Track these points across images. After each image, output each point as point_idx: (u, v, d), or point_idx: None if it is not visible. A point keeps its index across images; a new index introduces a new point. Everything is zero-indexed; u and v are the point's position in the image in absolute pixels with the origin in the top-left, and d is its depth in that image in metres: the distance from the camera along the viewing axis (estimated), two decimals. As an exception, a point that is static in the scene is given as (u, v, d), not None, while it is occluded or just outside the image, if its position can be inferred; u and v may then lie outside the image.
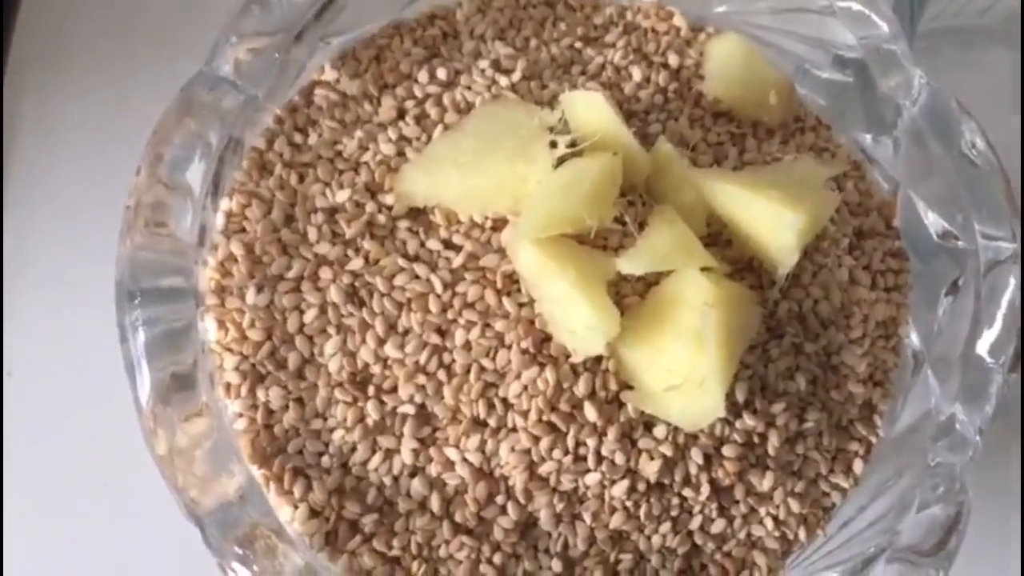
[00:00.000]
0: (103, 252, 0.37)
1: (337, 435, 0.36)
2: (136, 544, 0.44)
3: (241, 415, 0.36)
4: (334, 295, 0.36)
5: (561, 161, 0.36)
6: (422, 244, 0.38)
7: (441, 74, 0.41)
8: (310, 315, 0.36)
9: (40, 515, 0.46)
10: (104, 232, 0.37)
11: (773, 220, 0.36)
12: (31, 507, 0.46)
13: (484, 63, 0.41)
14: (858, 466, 0.40)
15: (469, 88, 0.40)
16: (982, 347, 0.39)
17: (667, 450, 0.36)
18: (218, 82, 0.38)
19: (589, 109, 0.38)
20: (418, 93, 0.40)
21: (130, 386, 0.35)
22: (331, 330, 0.36)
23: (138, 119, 0.38)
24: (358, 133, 0.39)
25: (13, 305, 0.49)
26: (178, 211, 0.36)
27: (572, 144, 0.37)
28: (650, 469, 0.36)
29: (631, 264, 0.35)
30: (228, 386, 0.36)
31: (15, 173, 0.50)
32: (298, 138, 0.39)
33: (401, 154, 0.39)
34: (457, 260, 0.37)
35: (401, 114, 0.40)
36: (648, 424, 0.37)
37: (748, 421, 0.37)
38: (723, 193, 0.37)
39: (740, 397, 0.37)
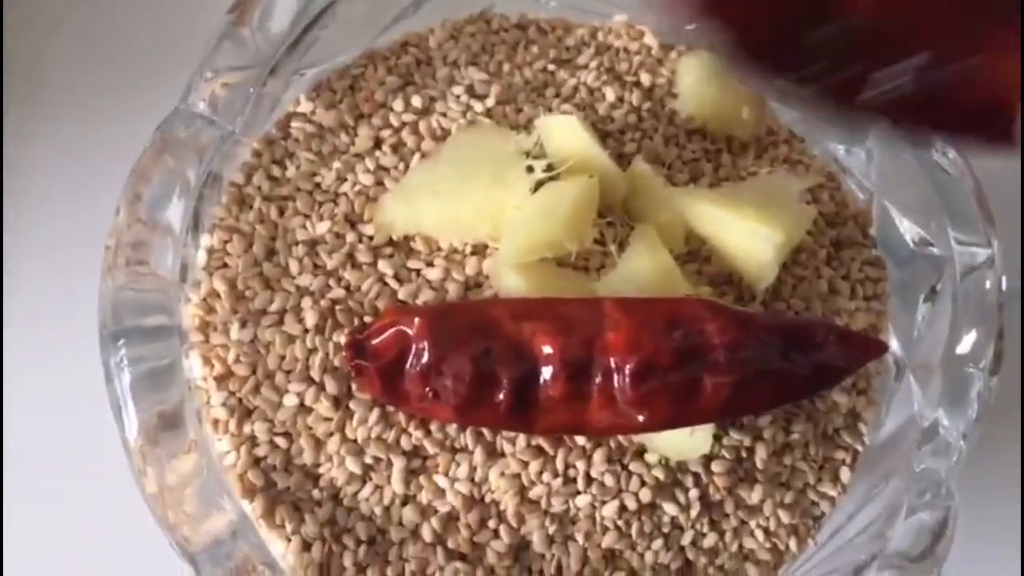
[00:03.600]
0: (85, 292, 0.37)
1: (327, 465, 0.36)
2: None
3: (230, 451, 0.36)
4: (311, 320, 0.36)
5: (539, 185, 0.37)
6: (403, 269, 0.38)
7: (416, 102, 0.41)
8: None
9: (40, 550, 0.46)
10: (85, 272, 0.37)
11: (750, 237, 0.36)
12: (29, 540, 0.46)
13: (459, 89, 0.42)
14: (845, 474, 0.40)
15: (444, 115, 0.41)
16: (962, 351, 0.40)
17: (659, 474, 0.37)
18: (194, 118, 0.38)
19: (564, 132, 0.38)
20: (394, 122, 0.40)
21: (117, 426, 0.34)
22: (315, 361, 0.36)
23: (116, 158, 0.38)
24: (336, 164, 0.39)
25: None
26: (159, 249, 0.36)
27: (549, 168, 0.37)
28: (643, 493, 0.36)
29: (609, 290, 0.35)
30: (216, 422, 0.36)
31: None
32: (276, 171, 0.39)
33: (379, 183, 0.39)
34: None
35: (378, 143, 0.40)
36: (639, 450, 0.37)
37: (735, 436, 0.38)
38: (700, 212, 0.38)
39: (726, 411, 0.37)
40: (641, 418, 0.33)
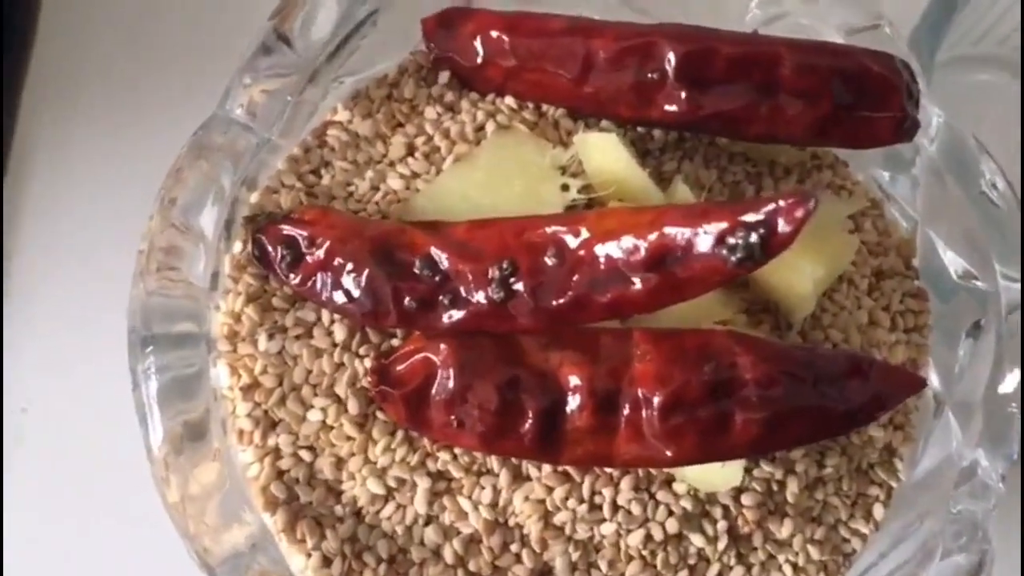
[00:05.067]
0: (115, 297, 0.37)
1: (350, 483, 0.35)
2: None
3: (253, 462, 0.35)
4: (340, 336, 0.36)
5: (572, 207, 0.36)
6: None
7: (451, 106, 0.41)
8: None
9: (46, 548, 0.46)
10: (114, 276, 0.37)
11: (790, 269, 0.36)
12: (36, 541, 0.46)
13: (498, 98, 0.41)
14: (878, 511, 0.39)
15: (475, 117, 0.40)
16: (1005, 390, 0.39)
17: (687, 504, 0.36)
18: (231, 124, 0.38)
19: (603, 150, 0.37)
20: (428, 129, 0.40)
21: (142, 433, 0.34)
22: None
23: (149, 162, 0.38)
24: (369, 173, 0.39)
25: (23, 342, 0.49)
26: (191, 256, 0.36)
27: (585, 188, 0.37)
28: (670, 523, 0.36)
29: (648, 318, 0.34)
30: (241, 433, 0.36)
31: (25, 216, 0.50)
32: (311, 179, 0.39)
33: (409, 188, 0.38)
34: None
35: (411, 151, 0.39)
36: (668, 480, 0.36)
37: (767, 468, 0.37)
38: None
39: (758, 444, 0.36)
40: (669, 452, 0.32)
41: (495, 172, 0.37)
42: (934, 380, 0.41)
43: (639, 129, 0.41)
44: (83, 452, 0.47)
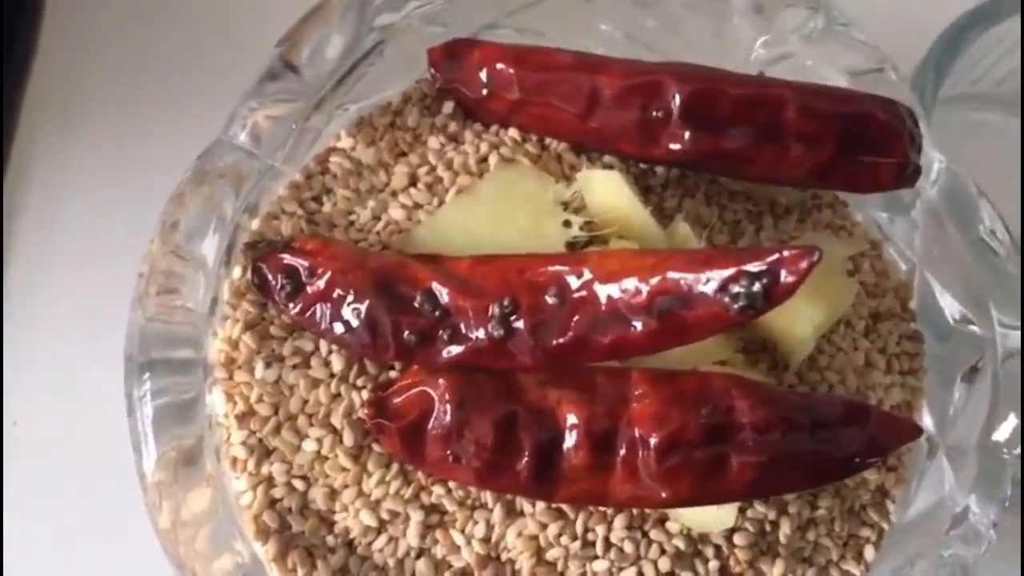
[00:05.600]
0: (112, 314, 0.37)
1: (342, 514, 0.35)
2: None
3: (246, 490, 0.35)
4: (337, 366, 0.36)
5: (573, 244, 0.36)
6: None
7: (454, 136, 0.41)
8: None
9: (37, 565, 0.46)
10: (113, 295, 0.37)
11: (790, 312, 0.36)
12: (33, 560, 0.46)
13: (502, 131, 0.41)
14: (869, 553, 0.39)
15: (478, 148, 0.40)
16: (999, 437, 0.39)
17: (680, 543, 0.36)
18: (235, 150, 0.38)
19: (606, 188, 0.37)
20: (431, 159, 0.40)
21: (135, 458, 0.34)
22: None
23: (152, 178, 0.39)
24: (371, 203, 0.39)
25: (18, 356, 0.49)
26: (191, 282, 0.36)
27: (587, 225, 0.37)
28: (662, 562, 0.36)
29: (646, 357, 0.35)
30: (235, 460, 0.35)
31: (22, 230, 0.50)
32: (313, 206, 0.39)
33: (411, 219, 0.38)
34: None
35: (413, 181, 0.39)
36: (661, 519, 0.36)
37: (760, 509, 0.37)
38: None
39: (752, 485, 0.37)
40: (664, 494, 0.33)
41: (497, 206, 0.37)
42: (928, 422, 0.41)
43: (642, 165, 0.41)
44: (72, 471, 0.47)
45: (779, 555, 0.38)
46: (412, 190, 0.39)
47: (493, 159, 0.40)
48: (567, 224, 0.37)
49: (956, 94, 0.55)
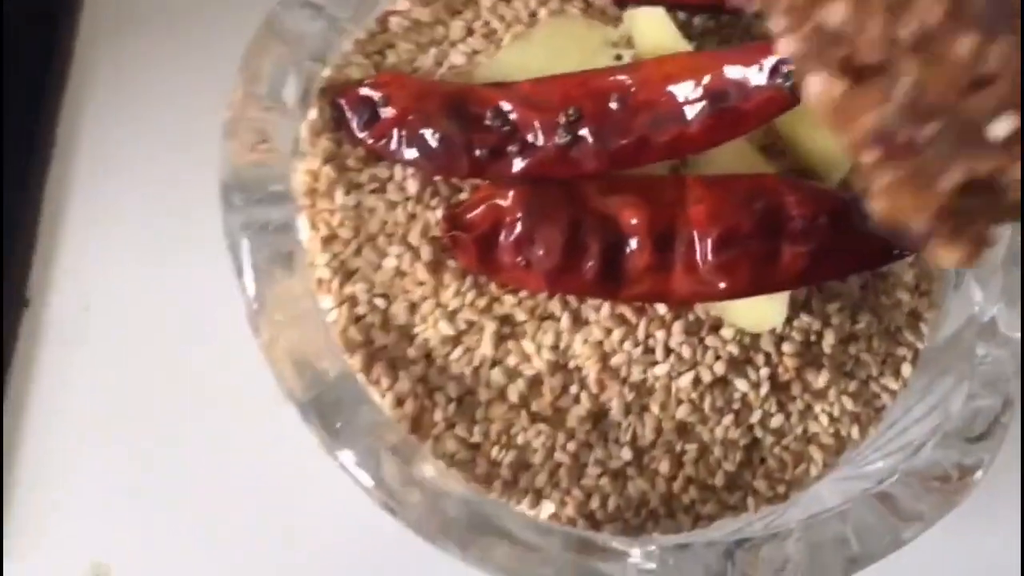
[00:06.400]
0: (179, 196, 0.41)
1: (421, 327, 0.38)
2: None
3: (332, 308, 0.38)
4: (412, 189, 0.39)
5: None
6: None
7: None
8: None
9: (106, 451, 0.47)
10: (179, 183, 0.42)
11: (827, 132, 0.38)
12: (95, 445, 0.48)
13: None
14: (906, 370, 0.42)
15: (528, 4, 0.43)
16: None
17: (733, 349, 0.39)
18: (304, 5, 0.40)
19: (652, 25, 0.40)
20: (485, 15, 0.43)
21: (236, 276, 0.37)
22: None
23: (224, 42, 0.41)
24: (432, 51, 0.42)
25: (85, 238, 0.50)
26: (274, 124, 0.39)
27: (636, 57, 0.39)
28: (717, 366, 0.38)
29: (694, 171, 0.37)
30: (320, 281, 0.38)
31: (87, 113, 0.51)
32: (377, 59, 0.42)
33: (471, 63, 0.41)
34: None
35: (470, 32, 0.42)
36: (715, 325, 0.39)
37: (805, 319, 0.40)
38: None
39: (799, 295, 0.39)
40: (722, 285, 0.35)
41: (551, 47, 0.40)
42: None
43: (680, 16, 0.44)
44: (147, 353, 0.48)
45: (824, 366, 0.40)
46: (469, 39, 0.42)
47: (543, 13, 0.42)
48: (618, 59, 0.39)
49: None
